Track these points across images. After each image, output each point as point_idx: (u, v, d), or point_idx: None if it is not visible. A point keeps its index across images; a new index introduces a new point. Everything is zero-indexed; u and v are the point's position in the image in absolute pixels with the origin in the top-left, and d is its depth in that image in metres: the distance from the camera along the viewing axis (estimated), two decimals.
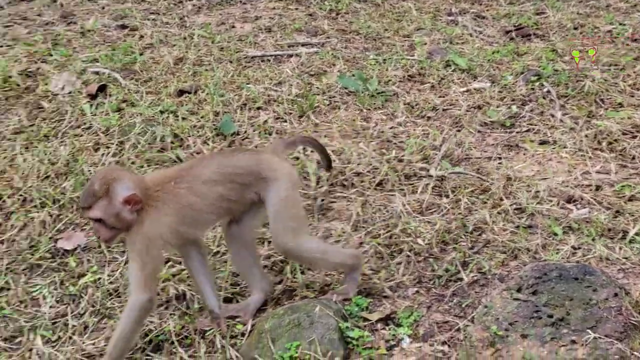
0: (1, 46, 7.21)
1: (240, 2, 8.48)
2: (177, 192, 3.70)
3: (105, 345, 3.90)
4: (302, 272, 4.23)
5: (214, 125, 5.62)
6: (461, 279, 4.13)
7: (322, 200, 4.82)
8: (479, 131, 5.58)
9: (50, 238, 4.65)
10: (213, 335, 3.93)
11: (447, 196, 4.82)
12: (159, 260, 3.80)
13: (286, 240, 3.85)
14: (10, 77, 6.39)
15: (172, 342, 3.91)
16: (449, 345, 3.73)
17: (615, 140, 5.34)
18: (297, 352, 3.61)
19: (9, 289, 4.31)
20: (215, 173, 3.77)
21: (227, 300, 4.16)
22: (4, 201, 4.94)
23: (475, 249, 4.36)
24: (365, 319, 3.89)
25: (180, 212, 3.69)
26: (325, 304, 3.83)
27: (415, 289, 4.12)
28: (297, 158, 5.17)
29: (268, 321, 3.79)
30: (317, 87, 6.22)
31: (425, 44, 7.06)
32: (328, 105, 5.95)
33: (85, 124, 5.72)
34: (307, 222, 4.34)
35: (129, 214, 3.61)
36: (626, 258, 4.23)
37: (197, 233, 3.90)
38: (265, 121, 5.72)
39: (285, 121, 5.72)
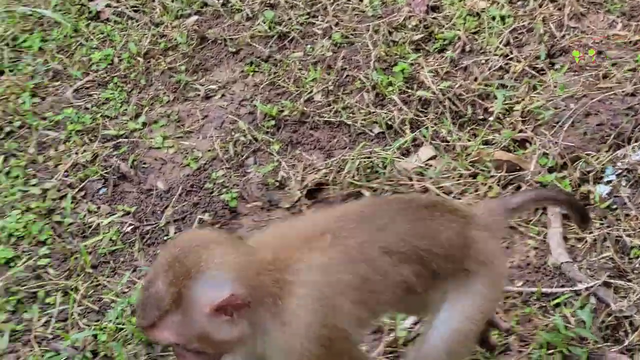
0: None
1: None
2: (346, 254, 2.30)
3: None
4: None
5: None
6: None
7: None
8: None
9: None
10: None
11: None
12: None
13: None
14: None
15: None
16: None
17: None
18: None
19: None
20: (402, 241, 2.37)
21: None
22: None
23: None
24: None
25: (357, 288, 2.31)
26: None
27: None
28: None
29: None
30: None
31: None
32: None
33: None
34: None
35: (229, 330, 2.13)
36: None
37: (367, 328, 2.67)
38: None
39: None
